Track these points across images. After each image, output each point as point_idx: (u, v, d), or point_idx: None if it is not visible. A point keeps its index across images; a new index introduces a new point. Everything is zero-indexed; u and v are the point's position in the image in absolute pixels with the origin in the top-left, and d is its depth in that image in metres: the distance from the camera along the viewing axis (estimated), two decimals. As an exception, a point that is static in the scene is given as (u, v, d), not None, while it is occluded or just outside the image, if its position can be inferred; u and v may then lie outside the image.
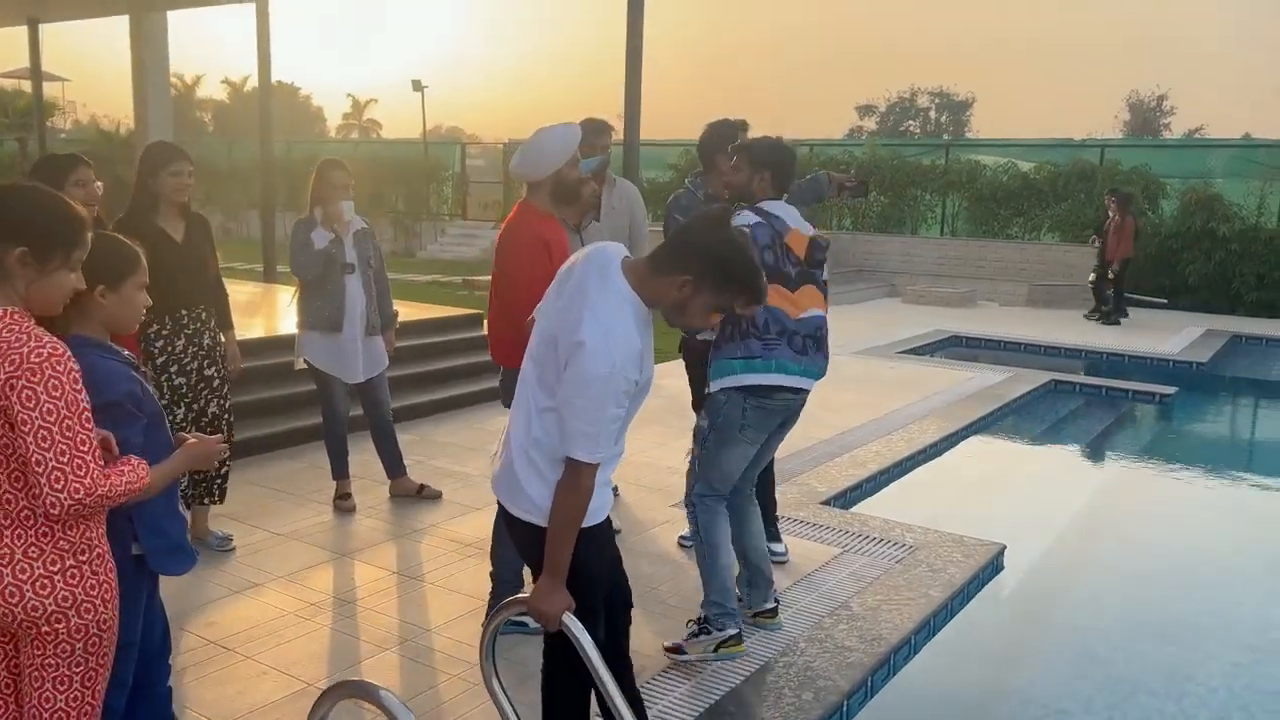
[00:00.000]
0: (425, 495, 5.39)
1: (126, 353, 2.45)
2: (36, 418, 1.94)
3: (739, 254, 2.47)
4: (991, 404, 8.30)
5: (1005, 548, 5.02)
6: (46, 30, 14.26)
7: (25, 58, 15.01)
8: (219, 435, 2.65)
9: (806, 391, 3.81)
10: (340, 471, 5.28)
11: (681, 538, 4.89)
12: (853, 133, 53.26)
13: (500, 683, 2.66)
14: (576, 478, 2.43)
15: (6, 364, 1.94)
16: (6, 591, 2.01)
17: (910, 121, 59.77)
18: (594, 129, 4.92)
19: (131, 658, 2.50)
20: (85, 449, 2.00)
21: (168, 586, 3.85)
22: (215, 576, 4.34)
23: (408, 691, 3.45)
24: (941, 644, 4.25)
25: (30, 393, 1.94)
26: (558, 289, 2.57)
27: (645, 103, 8.49)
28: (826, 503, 5.65)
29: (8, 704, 2.18)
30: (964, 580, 4.59)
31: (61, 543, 2.05)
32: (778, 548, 4.67)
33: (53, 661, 2.08)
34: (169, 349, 4.34)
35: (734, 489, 3.88)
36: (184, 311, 4.35)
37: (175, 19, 12.39)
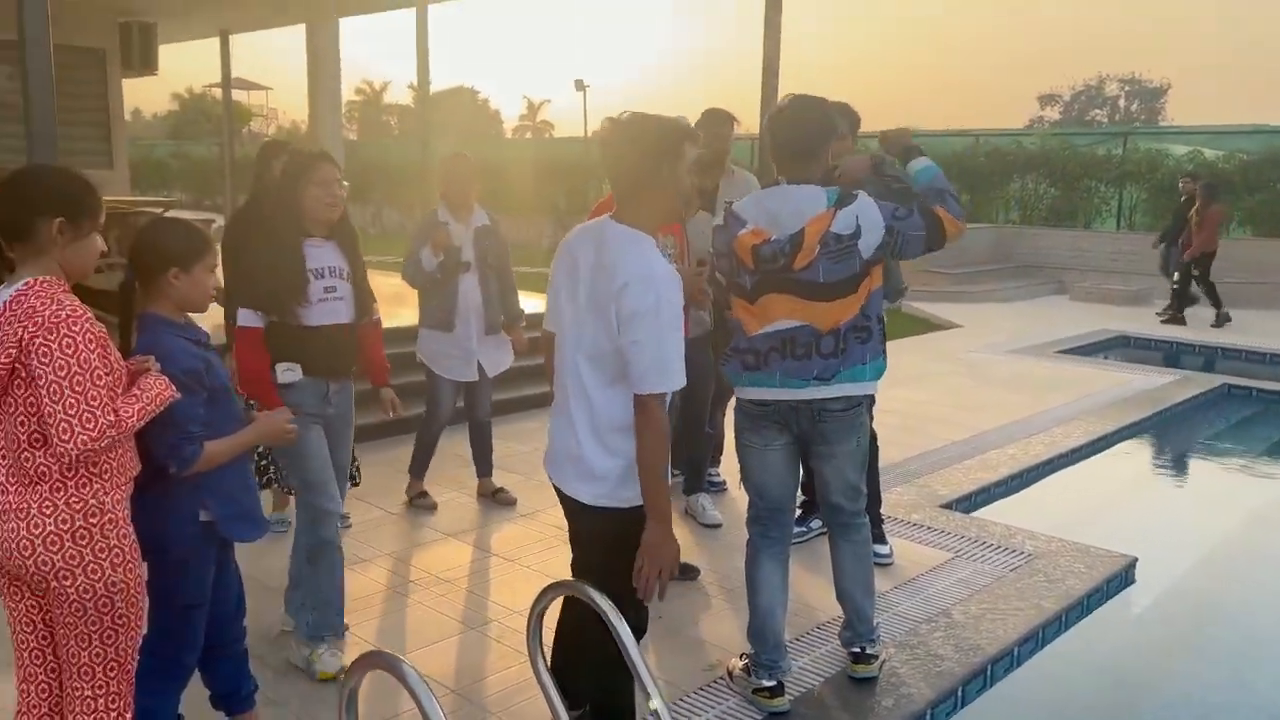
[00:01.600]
0: (499, 500, 5.26)
1: (203, 330, 2.60)
2: (50, 373, 2.11)
3: (650, 120, 2.57)
4: (1150, 408, 7.73)
5: (1136, 560, 4.67)
6: (256, 44, 15.32)
7: (233, 70, 16.13)
8: (288, 414, 2.79)
9: (793, 402, 3.24)
10: (418, 471, 5.23)
11: None
12: (1033, 123, 50.78)
13: (548, 666, 2.68)
14: (649, 413, 2.48)
15: (30, 324, 2.12)
16: (20, 544, 2.17)
17: (1097, 110, 56.49)
18: (713, 118, 4.89)
19: (201, 618, 2.65)
20: (95, 404, 2.13)
21: (279, 562, 4.12)
22: (327, 551, 4.54)
23: (479, 671, 3.53)
24: (1053, 657, 4.00)
25: (46, 350, 2.11)
26: (568, 284, 2.62)
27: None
28: (947, 506, 5.41)
29: (45, 656, 2.35)
30: (1083, 592, 4.30)
31: (73, 501, 2.20)
32: (881, 549, 4.49)
33: (70, 620, 2.23)
34: None
35: (831, 510, 3.45)
36: None
37: (366, 29, 13.05)
